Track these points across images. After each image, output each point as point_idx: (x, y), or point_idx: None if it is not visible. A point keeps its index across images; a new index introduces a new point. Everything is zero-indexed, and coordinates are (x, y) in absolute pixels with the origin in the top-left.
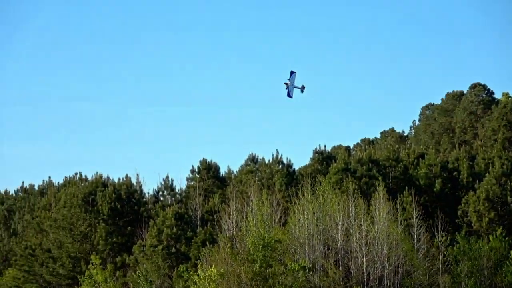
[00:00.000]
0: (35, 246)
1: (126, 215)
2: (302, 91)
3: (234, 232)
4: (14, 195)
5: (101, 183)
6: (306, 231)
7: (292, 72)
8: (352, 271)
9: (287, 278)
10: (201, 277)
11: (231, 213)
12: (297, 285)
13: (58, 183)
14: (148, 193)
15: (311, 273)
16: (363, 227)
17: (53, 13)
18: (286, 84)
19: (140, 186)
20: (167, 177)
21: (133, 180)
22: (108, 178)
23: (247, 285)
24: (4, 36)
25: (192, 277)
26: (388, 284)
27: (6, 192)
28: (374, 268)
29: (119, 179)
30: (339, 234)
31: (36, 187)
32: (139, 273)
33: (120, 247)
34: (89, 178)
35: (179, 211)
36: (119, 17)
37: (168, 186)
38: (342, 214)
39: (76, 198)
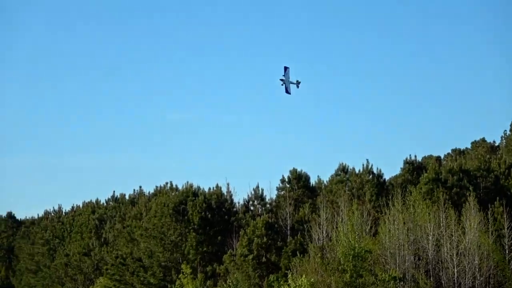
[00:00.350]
0: (126, 255)
1: (216, 224)
2: (297, 86)
3: (324, 242)
4: (105, 204)
5: (191, 193)
6: (396, 241)
7: (285, 68)
8: (443, 282)
9: None
10: (291, 287)
11: (321, 223)
12: None
13: (149, 192)
14: (239, 202)
15: (402, 283)
16: (454, 237)
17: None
18: (282, 80)
19: (231, 196)
20: (257, 186)
21: (224, 190)
22: (199, 187)
23: None
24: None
25: (282, 286)
26: None
27: (97, 201)
28: (465, 279)
29: (209, 188)
30: (429, 244)
31: (127, 197)
32: (229, 282)
33: (210, 256)
34: (180, 187)
35: (270, 220)
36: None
37: (258, 195)
38: (433, 224)
39: (166, 207)
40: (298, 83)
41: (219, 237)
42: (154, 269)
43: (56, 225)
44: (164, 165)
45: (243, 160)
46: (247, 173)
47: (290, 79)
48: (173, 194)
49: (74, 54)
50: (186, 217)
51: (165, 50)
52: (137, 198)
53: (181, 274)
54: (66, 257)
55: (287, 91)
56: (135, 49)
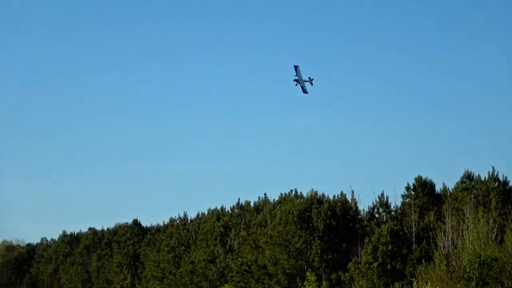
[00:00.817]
0: (251, 263)
1: (341, 231)
2: (311, 83)
3: (450, 250)
4: (230, 211)
5: (316, 200)
6: None
7: (296, 67)
8: None
9: None
10: None
11: (447, 231)
12: None
13: (274, 199)
14: (363, 210)
15: None
16: None
17: None
18: (295, 81)
19: (355, 203)
20: (382, 194)
21: (348, 197)
22: (323, 195)
23: None
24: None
25: None
26: None
27: (222, 208)
28: None
29: (334, 196)
30: None
31: (252, 204)
32: None
33: (335, 263)
34: (305, 195)
35: (394, 228)
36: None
37: (383, 203)
38: None
39: (291, 214)
40: (311, 80)
41: (343, 245)
42: (279, 276)
43: (182, 232)
44: (288, 172)
45: (368, 167)
46: (372, 181)
47: (303, 78)
48: (297, 201)
49: None
50: (310, 225)
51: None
52: (262, 205)
53: (306, 282)
54: (191, 264)
55: (304, 91)
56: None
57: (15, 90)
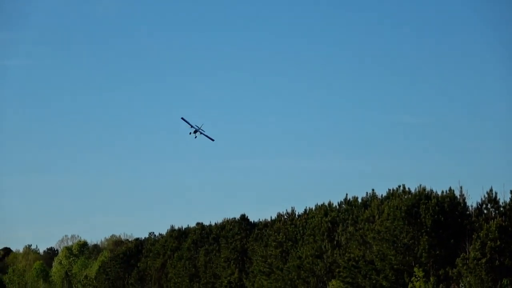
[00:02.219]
0: (358, 258)
1: (449, 227)
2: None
3: None
4: (337, 207)
5: (424, 196)
6: None
7: (182, 119)
8: None
9: None
10: None
11: None
12: None
13: (382, 195)
14: (472, 206)
15: None
16: None
17: None
18: (194, 132)
19: (464, 199)
20: (491, 190)
21: (457, 193)
22: (431, 190)
23: None
24: None
25: None
26: None
27: (330, 204)
28: None
29: (442, 191)
30: None
31: (359, 199)
32: (462, 286)
33: (443, 259)
34: (412, 190)
35: (503, 224)
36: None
37: (491, 199)
38: None
39: (399, 210)
40: (199, 128)
41: (451, 240)
42: (386, 272)
43: (289, 227)
44: (396, 168)
45: (476, 163)
46: (481, 176)
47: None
48: (405, 197)
49: None
50: (418, 220)
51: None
52: (370, 201)
53: (413, 277)
54: (298, 260)
55: (210, 139)
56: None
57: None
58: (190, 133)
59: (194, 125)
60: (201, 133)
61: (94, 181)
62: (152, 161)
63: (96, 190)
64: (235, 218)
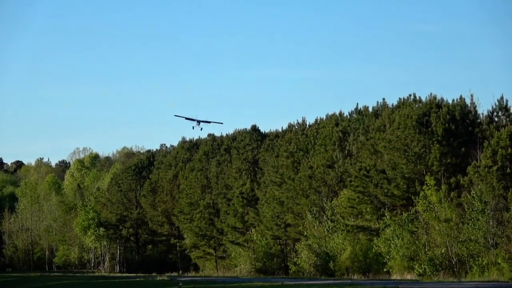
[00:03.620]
0: (370, 167)
1: (460, 136)
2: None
3: None
4: (348, 116)
5: (435, 104)
6: None
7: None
8: None
9: None
10: None
11: None
12: None
13: (392, 104)
14: (483, 113)
15: None
16: None
17: None
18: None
19: (475, 107)
20: (502, 97)
21: (467, 101)
22: (442, 99)
23: None
24: None
25: None
26: None
27: (340, 113)
28: None
29: (453, 100)
30: None
31: (370, 109)
32: (473, 194)
33: (454, 168)
34: (423, 99)
35: None
36: None
37: (502, 106)
38: None
39: (410, 119)
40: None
41: (462, 149)
42: (398, 180)
43: (300, 137)
44: (407, 77)
45: (487, 71)
46: (492, 84)
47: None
48: (416, 106)
49: None
50: (429, 129)
51: None
52: (381, 110)
53: (424, 186)
54: (310, 170)
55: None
56: None
57: None
58: (193, 127)
59: (194, 118)
60: (204, 121)
61: (105, 92)
62: (162, 73)
63: (107, 102)
64: (246, 129)
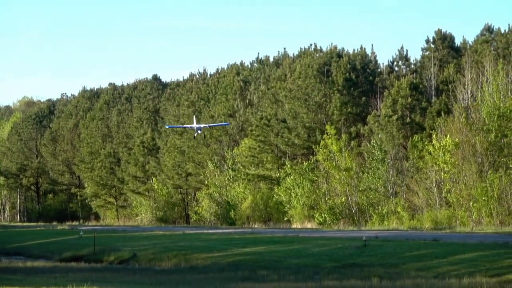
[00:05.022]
0: (270, 117)
1: (360, 85)
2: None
3: (469, 102)
4: (249, 66)
5: (336, 54)
6: None
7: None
8: None
9: None
10: (436, 147)
11: (466, 83)
12: None
13: (293, 54)
14: (383, 63)
15: None
16: None
17: None
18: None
19: (375, 57)
20: (402, 47)
21: (368, 51)
22: (343, 49)
23: (482, 154)
24: None
25: (426, 147)
26: None
27: (241, 63)
28: None
29: (354, 50)
30: None
31: (271, 58)
32: (373, 143)
33: (354, 117)
34: (324, 49)
35: (414, 81)
36: None
37: (403, 56)
38: None
39: (311, 68)
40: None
41: (363, 98)
42: (298, 130)
43: (201, 87)
44: (308, 26)
45: (388, 20)
46: (392, 34)
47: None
48: (317, 55)
49: None
50: (330, 78)
51: None
52: (282, 59)
53: (325, 135)
54: (211, 119)
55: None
56: None
57: None
58: (195, 137)
59: (192, 126)
60: (209, 127)
61: (3, 42)
62: (63, 22)
63: (6, 51)
64: (147, 78)
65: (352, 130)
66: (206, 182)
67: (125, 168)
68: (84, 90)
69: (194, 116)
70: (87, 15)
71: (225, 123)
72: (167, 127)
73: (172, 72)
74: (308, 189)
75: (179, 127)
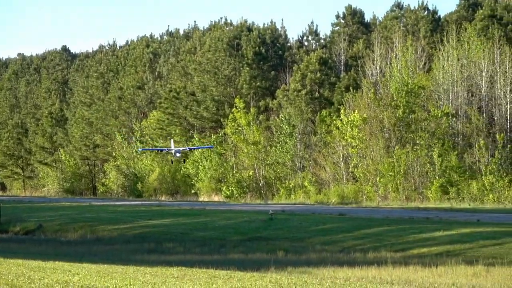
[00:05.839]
0: (180, 89)
1: (270, 59)
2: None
3: (378, 78)
4: (159, 38)
5: (246, 28)
6: (450, 78)
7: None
8: (495, 118)
9: (429, 124)
10: (344, 122)
11: (375, 59)
12: (439, 131)
13: (203, 27)
14: (293, 38)
15: (454, 119)
16: (508, 74)
17: None
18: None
19: (285, 31)
20: (312, 22)
21: (278, 25)
22: (253, 22)
23: (389, 130)
24: None
25: (334, 121)
26: None
27: (151, 35)
28: None
29: (264, 24)
30: (483, 81)
31: (181, 31)
32: (282, 117)
33: (263, 91)
34: (234, 22)
35: (323, 56)
36: None
37: (312, 31)
38: (487, 61)
39: (221, 42)
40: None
41: (272, 72)
42: (207, 103)
43: (111, 58)
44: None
45: None
46: (302, 9)
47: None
48: (227, 29)
49: None
50: (240, 52)
51: None
52: (192, 32)
53: (234, 109)
54: (120, 91)
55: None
56: None
57: None
58: (172, 161)
59: (170, 149)
60: (190, 149)
61: None
62: None
63: None
64: (56, 49)
65: (261, 104)
66: (114, 154)
67: (32, 139)
68: None
69: (172, 140)
70: None
71: (209, 145)
72: (139, 150)
73: (82, 44)
74: (216, 162)
75: (153, 150)
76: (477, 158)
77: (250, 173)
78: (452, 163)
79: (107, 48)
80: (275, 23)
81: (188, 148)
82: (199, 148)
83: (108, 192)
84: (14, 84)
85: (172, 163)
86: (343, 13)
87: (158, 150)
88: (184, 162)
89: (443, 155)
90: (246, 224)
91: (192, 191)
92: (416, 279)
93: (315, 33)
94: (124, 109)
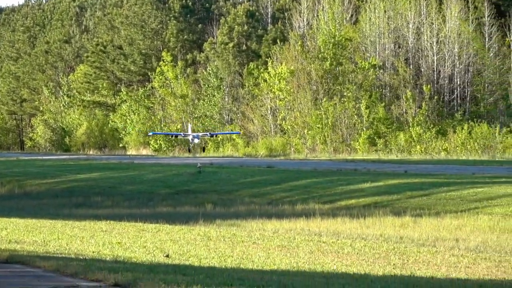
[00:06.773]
0: (107, 43)
1: (197, 12)
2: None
3: (305, 30)
4: None
5: None
6: (377, 30)
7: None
8: (422, 70)
9: (357, 76)
10: (271, 75)
11: (302, 11)
12: (367, 83)
13: None
14: None
15: (381, 71)
16: (434, 25)
17: None
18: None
19: None
20: None
21: None
22: None
23: (317, 82)
24: None
25: (262, 74)
26: (458, 82)
27: None
28: (445, 67)
29: None
30: (410, 33)
31: None
32: (209, 70)
33: (191, 44)
34: None
35: (250, 8)
36: None
37: None
38: (414, 12)
39: None
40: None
41: (199, 25)
42: (135, 56)
43: (37, 12)
44: None
45: None
46: None
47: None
48: None
49: None
50: (167, 5)
51: None
52: None
53: (161, 62)
54: (46, 45)
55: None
56: None
57: None
58: (189, 149)
59: (186, 134)
60: (211, 135)
61: None
62: None
63: None
64: None
65: (188, 57)
66: (41, 108)
67: None
68: None
69: (189, 124)
70: None
71: (237, 131)
72: (150, 134)
73: None
74: (144, 115)
75: (166, 134)
76: (404, 110)
77: (178, 126)
78: (379, 115)
79: (33, 2)
80: None
81: (209, 134)
82: (224, 133)
83: (36, 146)
84: None
85: (189, 150)
86: None
87: (172, 135)
88: (204, 151)
89: (370, 107)
90: (174, 178)
91: (120, 145)
92: (344, 230)
93: None
94: (51, 63)
